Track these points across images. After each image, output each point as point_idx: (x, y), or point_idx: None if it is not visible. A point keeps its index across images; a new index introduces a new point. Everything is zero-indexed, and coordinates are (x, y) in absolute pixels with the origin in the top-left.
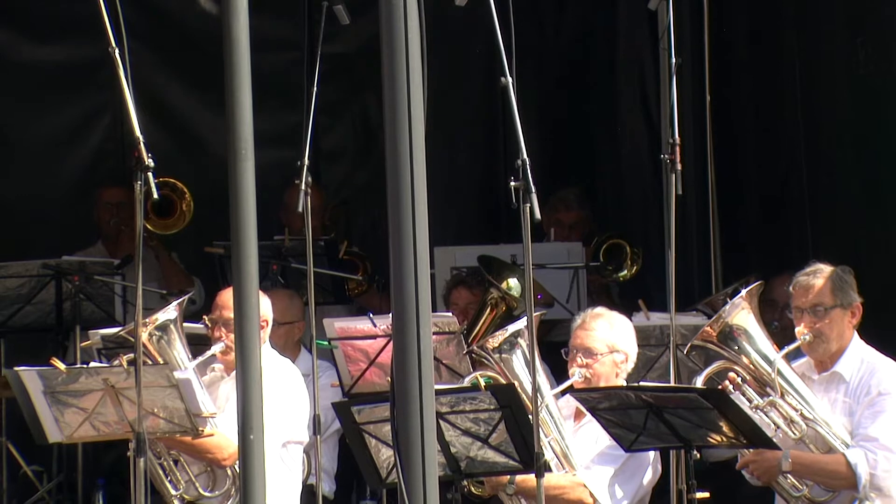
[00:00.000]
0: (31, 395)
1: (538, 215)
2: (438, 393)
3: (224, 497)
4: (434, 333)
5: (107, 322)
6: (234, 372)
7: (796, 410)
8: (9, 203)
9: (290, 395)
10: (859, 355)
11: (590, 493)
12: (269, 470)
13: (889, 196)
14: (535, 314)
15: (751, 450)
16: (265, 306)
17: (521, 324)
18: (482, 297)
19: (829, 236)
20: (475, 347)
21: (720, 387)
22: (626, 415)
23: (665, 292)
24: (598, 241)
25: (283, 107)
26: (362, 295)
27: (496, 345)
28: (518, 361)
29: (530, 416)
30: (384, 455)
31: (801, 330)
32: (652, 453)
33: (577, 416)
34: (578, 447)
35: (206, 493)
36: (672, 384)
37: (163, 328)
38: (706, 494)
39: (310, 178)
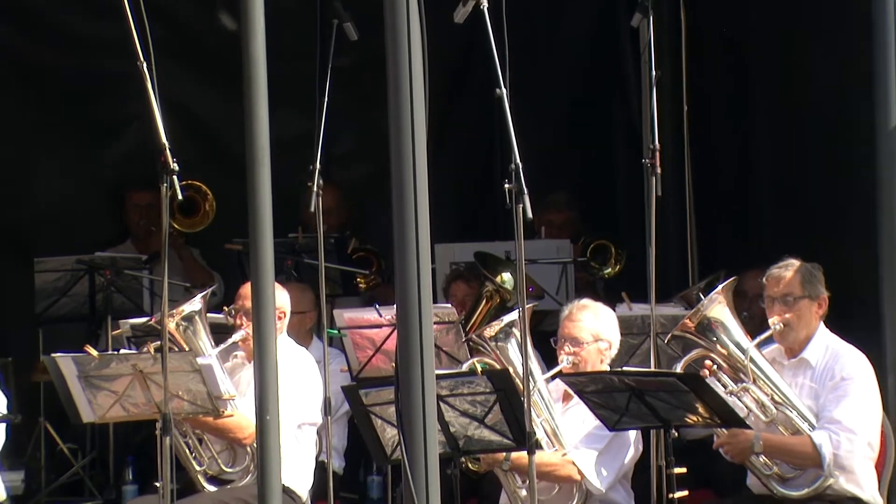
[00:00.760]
0: (66, 380)
1: (530, 215)
2: (439, 377)
3: (243, 472)
4: (434, 323)
5: (135, 312)
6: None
7: (767, 395)
8: (47, 204)
9: (303, 380)
10: (825, 343)
11: (578, 469)
12: (284, 448)
13: (845, 200)
14: (527, 306)
15: (726, 431)
16: (283, 298)
17: (515, 314)
18: (478, 289)
19: (787, 237)
20: (473, 336)
21: (699, 373)
22: (610, 397)
23: (646, 285)
24: (586, 241)
25: (297, 115)
26: (377, 288)
27: (493, 333)
28: (512, 348)
29: (523, 399)
30: (389, 434)
31: (772, 319)
32: (634, 432)
33: (566, 398)
34: (567, 427)
35: (228, 469)
36: (653, 369)
37: (188, 319)
38: (683, 470)
39: (321, 180)
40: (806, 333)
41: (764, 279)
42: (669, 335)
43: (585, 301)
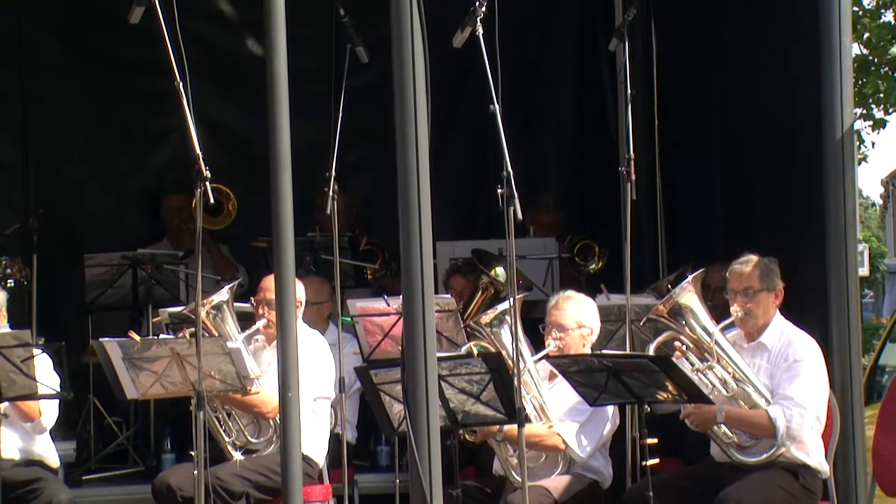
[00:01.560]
0: (112, 361)
1: (521, 216)
2: (439, 359)
3: (267, 443)
4: (436, 311)
5: (173, 302)
6: (275, 342)
7: (729, 373)
8: (95, 206)
9: (319, 360)
10: (780, 329)
11: (562, 439)
12: (303, 420)
13: (798, 202)
14: (517, 296)
15: (691, 404)
16: (300, 290)
17: (507, 304)
18: (475, 282)
19: (745, 236)
20: (471, 323)
21: (670, 355)
22: (591, 377)
23: (622, 278)
24: (573, 239)
25: (315, 128)
26: (381, 279)
27: (488, 321)
28: (505, 334)
29: (514, 378)
30: (396, 409)
31: (734, 308)
32: (611, 408)
33: (551, 377)
34: (553, 402)
35: (253, 440)
36: (628, 352)
37: (217, 307)
38: (654, 441)
39: (336, 186)
40: (764, 321)
41: (727, 273)
42: (644, 318)
43: (570, 292)
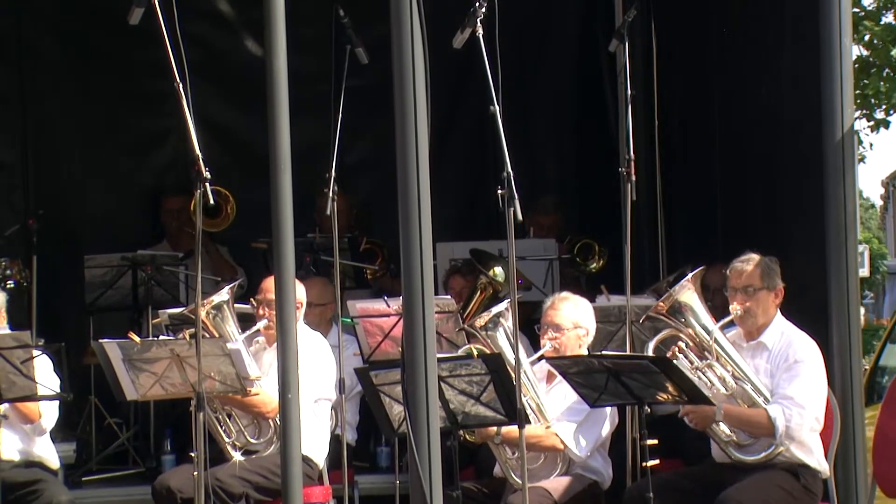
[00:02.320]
0: (112, 362)
1: (520, 217)
2: (439, 360)
3: (267, 443)
4: (436, 312)
5: (172, 303)
6: (275, 343)
7: (728, 372)
8: (95, 208)
9: (319, 362)
10: (780, 329)
11: (560, 440)
12: (303, 421)
13: (798, 203)
14: (517, 296)
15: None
16: (301, 291)
17: (502, 306)
18: (474, 282)
19: (744, 237)
20: (466, 326)
21: (669, 354)
22: (591, 378)
23: (622, 279)
24: (572, 240)
25: (315, 129)
26: (381, 279)
27: (483, 323)
28: (500, 336)
29: (514, 379)
30: (396, 410)
31: (734, 306)
32: (609, 408)
33: (549, 378)
34: (551, 404)
35: (253, 440)
36: (628, 353)
37: (218, 308)
38: (655, 442)
39: (336, 187)
40: (764, 320)
41: (727, 271)
42: (644, 316)
43: (565, 294)
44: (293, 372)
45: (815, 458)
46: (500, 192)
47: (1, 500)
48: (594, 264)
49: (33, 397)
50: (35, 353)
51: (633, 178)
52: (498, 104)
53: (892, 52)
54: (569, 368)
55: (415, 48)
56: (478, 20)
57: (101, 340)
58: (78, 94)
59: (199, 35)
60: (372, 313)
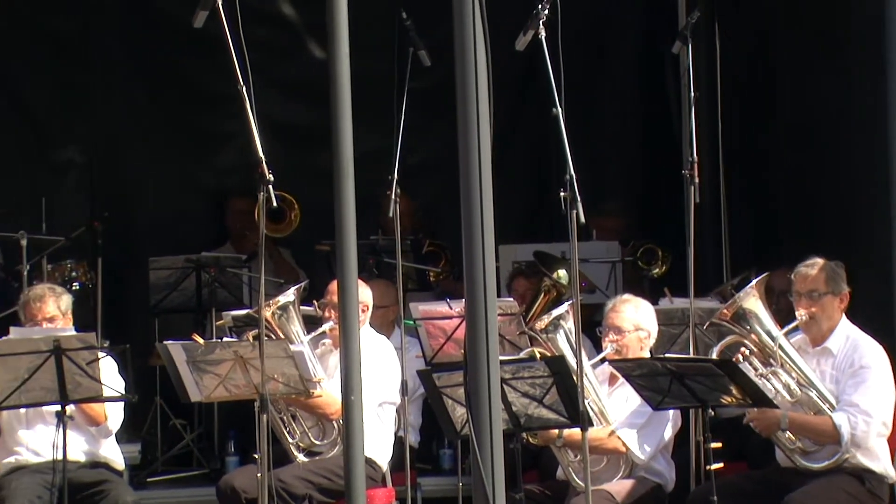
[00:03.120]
0: (176, 364)
1: (583, 219)
2: (502, 363)
3: (331, 445)
4: (499, 315)
5: (236, 305)
6: None
7: (793, 378)
8: (159, 210)
9: (384, 365)
10: (846, 333)
11: (623, 443)
12: (367, 424)
13: (861, 205)
14: (579, 298)
15: (755, 408)
16: (366, 294)
17: (563, 308)
18: (537, 284)
19: (809, 238)
20: (526, 329)
21: (733, 359)
22: (654, 380)
23: (685, 281)
24: (636, 244)
25: (378, 131)
26: (444, 281)
27: (543, 326)
28: (561, 339)
29: (577, 381)
30: (459, 412)
31: (800, 312)
32: (672, 410)
33: (611, 381)
34: (613, 407)
35: (317, 442)
36: (692, 356)
37: (283, 308)
38: (719, 445)
39: (399, 189)
40: (829, 325)
41: (792, 276)
42: (707, 323)
43: (627, 296)
44: (356, 374)
45: (882, 463)
46: (562, 194)
47: (67, 501)
48: (657, 269)
49: (99, 398)
50: (101, 354)
51: (697, 180)
52: (560, 106)
53: None
54: (632, 371)
55: (477, 50)
56: (540, 22)
57: (165, 342)
58: (143, 96)
59: (263, 38)
60: (435, 315)
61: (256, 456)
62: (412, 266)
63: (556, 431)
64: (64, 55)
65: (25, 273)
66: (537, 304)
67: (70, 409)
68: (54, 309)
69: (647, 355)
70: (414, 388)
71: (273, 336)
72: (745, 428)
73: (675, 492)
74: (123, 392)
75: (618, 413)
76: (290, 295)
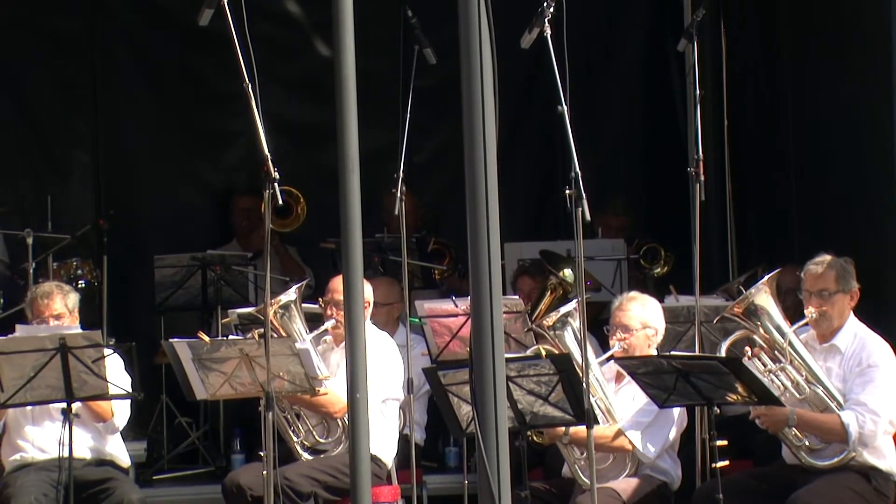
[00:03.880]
0: (182, 362)
1: (588, 218)
2: (508, 360)
3: (336, 443)
4: (504, 313)
5: (242, 303)
6: (343, 343)
7: (802, 376)
8: (165, 208)
9: (387, 362)
10: (854, 331)
11: (629, 441)
12: (372, 421)
13: (868, 203)
14: (585, 296)
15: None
16: (368, 291)
17: (569, 306)
18: (543, 283)
19: (815, 236)
20: (534, 326)
21: (743, 356)
22: (660, 378)
23: (690, 279)
24: (639, 243)
25: (383, 129)
26: (449, 279)
27: (551, 323)
28: (568, 336)
29: (583, 379)
30: (464, 410)
31: (809, 310)
32: (678, 409)
33: (618, 379)
34: (619, 405)
35: (322, 440)
36: (697, 353)
37: (286, 307)
38: (724, 442)
39: (404, 187)
40: (838, 323)
41: (802, 274)
42: (719, 317)
43: (633, 293)
44: (361, 372)
45: (888, 461)
46: (568, 192)
47: (73, 498)
48: (658, 269)
49: (105, 396)
50: (106, 352)
51: (702, 177)
52: (566, 104)
53: None
54: (637, 369)
55: (483, 48)
56: (546, 20)
57: (171, 340)
58: (148, 94)
59: (268, 36)
60: (440, 313)
61: (262, 453)
62: (417, 264)
63: (563, 429)
64: (65, 54)
65: (31, 271)
66: (543, 303)
67: (76, 406)
68: (61, 306)
69: (655, 353)
70: (419, 385)
71: (277, 335)
72: (750, 425)
73: (681, 490)
74: (129, 390)
75: (624, 411)
76: (291, 294)
